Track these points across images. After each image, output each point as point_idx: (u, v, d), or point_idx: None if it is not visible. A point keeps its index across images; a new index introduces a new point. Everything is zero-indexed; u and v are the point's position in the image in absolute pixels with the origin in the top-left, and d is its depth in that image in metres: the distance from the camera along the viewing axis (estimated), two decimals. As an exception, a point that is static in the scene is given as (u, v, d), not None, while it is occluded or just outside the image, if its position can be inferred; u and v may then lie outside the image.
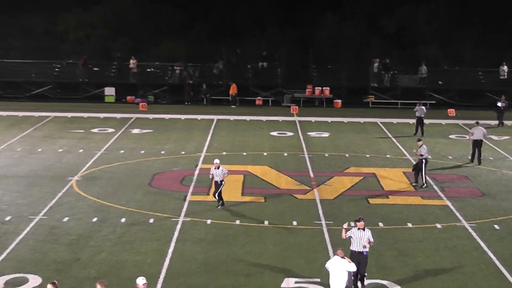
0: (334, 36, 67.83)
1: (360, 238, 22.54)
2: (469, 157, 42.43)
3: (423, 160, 36.33)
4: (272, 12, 69.34)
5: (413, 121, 50.92)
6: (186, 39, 67.82)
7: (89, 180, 36.73)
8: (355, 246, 22.51)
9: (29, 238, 28.12)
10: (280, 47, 67.32)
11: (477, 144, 41.91)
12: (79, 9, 68.84)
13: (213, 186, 32.57)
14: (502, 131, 51.67)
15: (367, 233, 22.64)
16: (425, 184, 36.42)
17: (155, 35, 67.93)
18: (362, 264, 22.50)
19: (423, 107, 51.09)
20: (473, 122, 51.22)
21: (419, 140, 38.35)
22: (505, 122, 54.83)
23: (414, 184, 36.69)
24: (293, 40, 68.11)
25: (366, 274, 22.78)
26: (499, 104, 54.13)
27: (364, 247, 22.46)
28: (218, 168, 31.83)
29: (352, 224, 23.99)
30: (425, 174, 36.47)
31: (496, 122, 53.41)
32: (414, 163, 37.55)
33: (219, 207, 31.91)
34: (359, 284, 22.68)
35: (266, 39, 68.44)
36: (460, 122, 53.56)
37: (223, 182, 31.88)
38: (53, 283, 18.85)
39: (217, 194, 31.95)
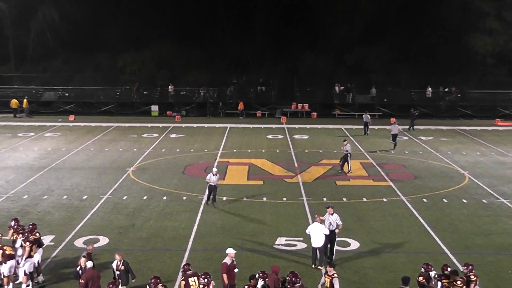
0: (311, 67, 67.66)
1: (330, 220, 22.29)
2: (392, 148, 44.20)
3: (348, 154, 36.17)
4: (268, 51, 69.27)
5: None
6: (208, 70, 67.77)
7: (140, 170, 36.84)
8: (327, 227, 22.09)
9: (99, 210, 28.41)
10: (274, 75, 67.33)
11: (395, 136, 44.57)
12: (133, 51, 68.91)
13: (208, 191, 29.42)
14: (428, 133, 51.61)
15: (335, 217, 22.43)
16: (350, 172, 36.22)
17: (186, 68, 67.76)
18: (333, 240, 22.34)
19: (368, 115, 51.48)
20: (407, 127, 52.18)
21: (344, 140, 38.34)
22: (439, 127, 55.16)
23: (340, 171, 36.33)
24: (282, 70, 67.94)
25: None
26: (415, 112, 54.67)
27: (336, 228, 22.19)
28: (216, 175, 28.95)
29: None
30: (350, 164, 36.28)
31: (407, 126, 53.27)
32: (343, 156, 36.65)
33: (214, 203, 29.04)
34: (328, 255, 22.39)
35: (263, 70, 68.36)
36: (400, 127, 53.50)
37: (217, 186, 29.02)
38: (84, 256, 18.91)
39: (215, 197, 29.19)
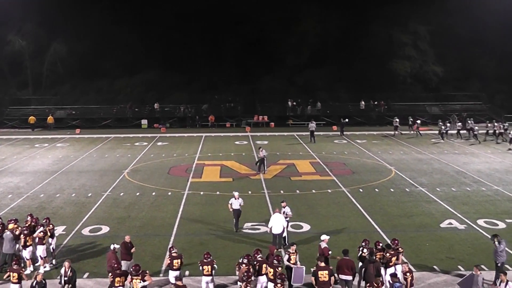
0: (269, 88, 67.38)
1: (284, 211, 22.00)
2: (311, 141, 47.81)
3: (264, 158, 35.34)
4: (234, 75, 68.97)
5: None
6: (187, 91, 66.96)
7: (134, 172, 36.36)
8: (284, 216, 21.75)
9: (102, 205, 27.96)
10: (239, 94, 67.05)
11: (312, 133, 48.05)
12: (127, 77, 68.24)
13: (233, 215, 23.63)
14: (363, 137, 51.79)
15: (287, 209, 22.22)
16: (265, 171, 35.20)
17: (169, 89, 67.14)
18: (285, 228, 21.67)
19: (314, 123, 50.58)
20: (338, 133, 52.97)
21: (259, 147, 37.43)
22: (370, 132, 55.32)
23: (258, 172, 35.14)
24: (246, 90, 67.57)
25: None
26: (345, 120, 54.71)
27: (287, 216, 21.89)
28: (238, 199, 23.41)
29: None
30: (266, 166, 35.52)
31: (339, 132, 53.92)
32: (259, 160, 35.87)
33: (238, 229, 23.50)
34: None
35: (231, 90, 68.02)
36: (338, 133, 53.90)
37: (240, 211, 23.49)
38: (121, 244, 18.26)
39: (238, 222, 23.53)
